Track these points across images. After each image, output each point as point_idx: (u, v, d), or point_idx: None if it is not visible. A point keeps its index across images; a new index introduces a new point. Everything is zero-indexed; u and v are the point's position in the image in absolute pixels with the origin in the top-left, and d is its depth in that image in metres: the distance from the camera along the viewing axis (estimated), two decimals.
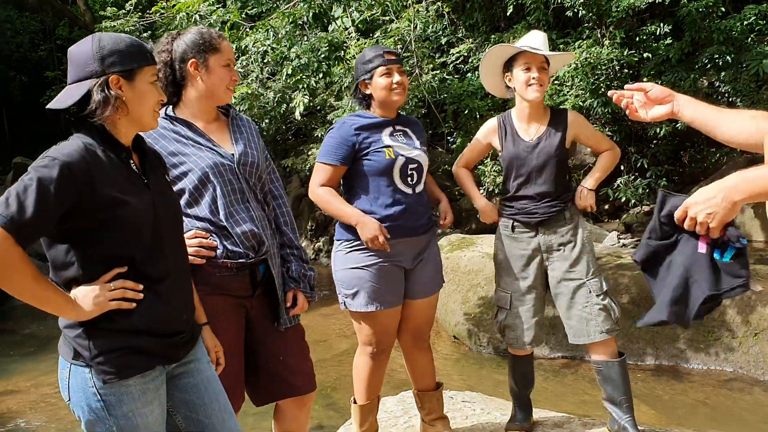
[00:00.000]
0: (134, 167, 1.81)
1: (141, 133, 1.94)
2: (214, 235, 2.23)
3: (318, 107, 7.24)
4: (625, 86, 1.98)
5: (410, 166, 2.81)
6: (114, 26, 7.70)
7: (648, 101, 1.90)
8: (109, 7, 8.04)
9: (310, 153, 7.37)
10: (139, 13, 8.28)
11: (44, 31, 19.29)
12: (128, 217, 1.72)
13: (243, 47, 5.98)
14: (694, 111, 1.82)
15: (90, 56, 1.76)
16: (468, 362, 4.84)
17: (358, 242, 2.80)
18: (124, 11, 8.15)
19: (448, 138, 7.72)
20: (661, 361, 4.53)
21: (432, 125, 8.10)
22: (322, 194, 2.82)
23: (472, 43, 7.86)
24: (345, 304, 2.88)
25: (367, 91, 2.86)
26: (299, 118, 6.12)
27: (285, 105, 6.69)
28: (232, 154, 2.30)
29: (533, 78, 2.84)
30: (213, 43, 2.30)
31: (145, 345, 1.75)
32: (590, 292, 2.85)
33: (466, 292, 5.20)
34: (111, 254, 1.73)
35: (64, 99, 1.74)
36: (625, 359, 2.87)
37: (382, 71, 2.81)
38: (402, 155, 2.80)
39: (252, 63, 5.94)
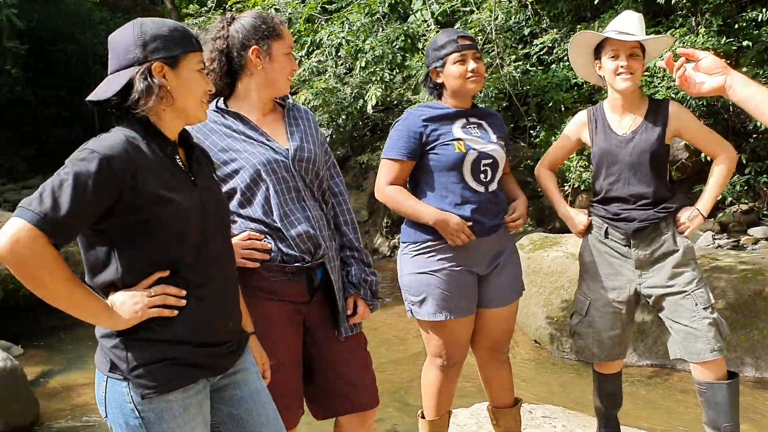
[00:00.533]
0: (180, 163, 1.68)
1: (189, 128, 1.82)
2: (269, 237, 2.09)
3: (395, 102, 7.10)
4: (677, 50, 1.73)
5: (483, 162, 2.59)
6: (197, 23, 7.79)
7: (699, 72, 1.68)
8: (191, 5, 8.13)
9: None
10: (222, 10, 8.36)
11: None
12: (173, 217, 1.60)
13: (318, 41, 5.89)
14: (747, 90, 1.62)
15: (132, 42, 1.63)
16: (549, 369, 4.59)
17: (426, 245, 2.61)
18: (206, 8, 8.24)
19: (531, 132, 7.43)
20: (763, 373, 4.16)
21: (514, 118, 7.83)
22: (391, 193, 2.63)
23: (556, 33, 7.54)
24: (412, 312, 2.69)
25: (439, 80, 2.65)
26: (371, 111, 5.98)
27: (361, 100, 6.58)
28: (287, 149, 2.14)
29: (621, 66, 2.58)
30: (276, 29, 2.15)
31: (187, 356, 1.62)
32: (696, 304, 2.57)
33: (549, 295, 4.95)
34: (153, 257, 1.60)
35: (104, 89, 1.62)
36: (737, 381, 2.56)
37: (456, 58, 2.60)
38: (474, 149, 2.58)
39: (327, 57, 5.85)
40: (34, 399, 4.24)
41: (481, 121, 2.70)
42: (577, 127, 2.83)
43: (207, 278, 1.67)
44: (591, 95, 7.02)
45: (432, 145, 2.59)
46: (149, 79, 1.60)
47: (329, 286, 2.17)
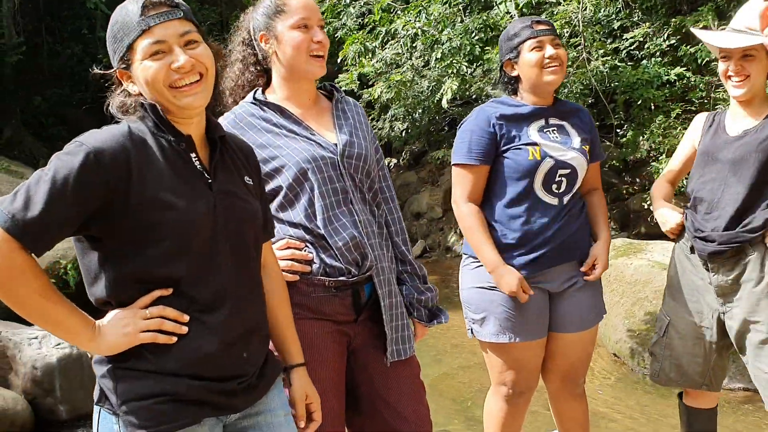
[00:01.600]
0: (197, 162, 1.45)
1: (224, 121, 1.63)
2: (310, 246, 1.84)
3: (473, 96, 6.86)
4: None
5: (560, 172, 2.29)
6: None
7: None
8: None
9: None
10: None
11: (221, 23, 20.37)
12: (175, 225, 1.36)
13: (393, 31, 5.71)
14: None
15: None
16: (628, 386, 4.29)
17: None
18: None
19: (618, 131, 7.06)
20: None
21: (599, 116, 7.46)
22: (466, 218, 2.34)
23: (649, 27, 7.12)
24: (472, 331, 2.43)
25: (514, 73, 2.38)
26: (446, 105, 5.75)
27: (439, 94, 6.38)
28: (335, 145, 1.89)
29: (731, 70, 2.29)
30: (276, 4, 1.87)
31: (186, 391, 1.37)
32: None
33: (631, 306, 4.63)
34: (151, 271, 1.37)
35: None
36: None
37: (532, 44, 2.31)
38: (551, 157, 2.28)
39: (403, 48, 5.66)
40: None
41: (562, 122, 2.40)
42: (692, 131, 2.52)
43: (216, 300, 1.42)
44: (684, 93, 6.59)
45: (505, 147, 2.32)
46: (118, 91, 1.46)
47: (378, 303, 1.92)
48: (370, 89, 6.26)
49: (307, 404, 1.67)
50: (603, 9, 7.29)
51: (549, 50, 2.31)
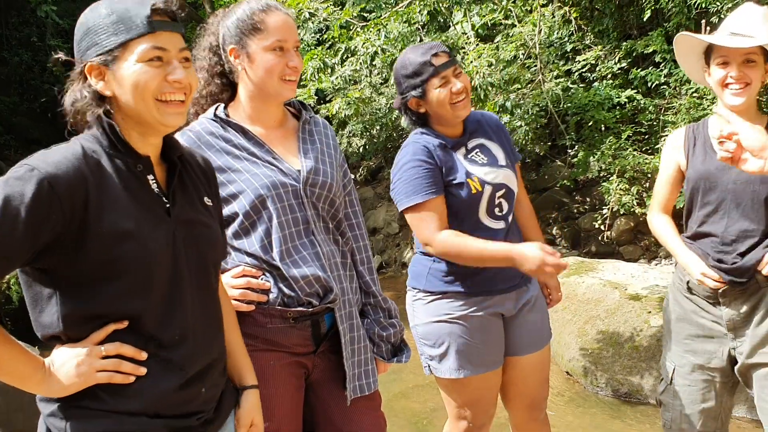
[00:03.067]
0: (154, 185, 1.34)
1: (181, 138, 1.51)
2: (267, 275, 1.74)
3: None
4: (721, 131, 1.43)
5: (498, 194, 2.22)
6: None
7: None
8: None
9: None
10: None
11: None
12: (134, 259, 1.25)
13: (353, 48, 5.71)
14: None
15: (75, 40, 1.34)
16: (582, 404, 4.32)
17: (442, 291, 2.26)
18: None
19: (569, 151, 7.18)
20: None
21: (551, 137, 7.58)
22: (447, 242, 2.15)
23: (600, 50, 7.29)
24: (430, 369, 2.32)
25: (422, 110, 2.25)
26: (405, 124, 5.78)
27: (396, 112, 6.40)
28: (298, 171, 1.79)
29: (731, 77, 2.09)
30: (253, 20, 1.74)
31: (144, 431, 1.27)
32: None
33: (584, 324, 4.69)
34: (107, 308, 1.26)
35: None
36: None
37: (437, 82, 2.17)
38: (488, 183, 2.20)
39: (362, 66, 5.66)
40: (38, 410, 4.10)
41: (479, 140, 2.31)
42: (670, 151, 2.34)
43: (178, 336, 1.33)
44: (634, 115, 6.75)
45: (447, 179, 2.21)
46: (80, 86, 1.31)
47: (339, 334, 1.83)
48: (327, 105, 6.25)
49: (251, 430, 1.58)
50: (557, 31, 7.44)
51: (456, 85, 2.19)
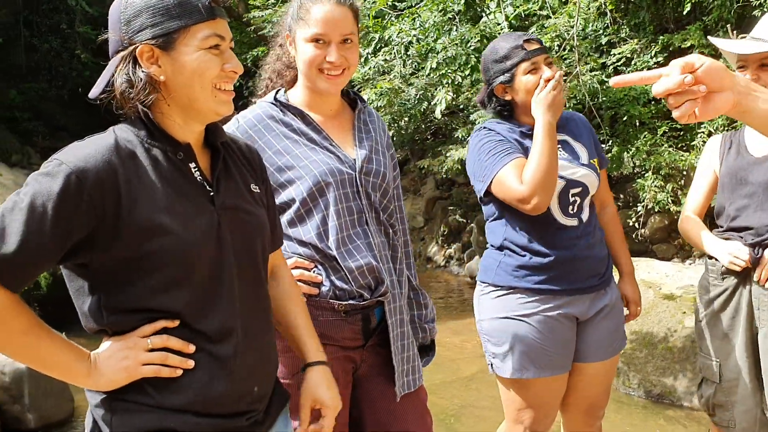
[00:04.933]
0: (196, 173, 1.29)
1: (242, 122, 1.51)
2: (319, 267, 1.71)
3: (461, 106, 6.80)
4: (666, 68, 1.10)
5: (572, 191, 2.15)
6: (263, 16, 7.61)
7: (697, 85, 1.07)
8: None
9: (448, 155, 6.96)
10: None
11: None
12: (175, 251, 1.21)
13: (387, 38, 5.64)
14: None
15: (116, 19, 1.25)
16: (613, 404, 4.22)
17: (511, 286, 2.19)
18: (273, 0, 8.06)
19: (603, 146, 7.07)
20: None
21: None
22: (530, 179, 2.07)
23: (636, 44, 7.15)
24: (492, 367, 2.25)
25: (507, 97, 2.20)
26: (439, 115, 5.69)
27: (426, 103, 6.31)
28: (354, 160, 1.76)
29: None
30: (300, 9, 1.71)
31: (191, 429, 1.22)
32: None
33: None
34: (146, 303, 1.21)
35: (98, 84, 1.27)
36: None
37: (527, 67, 2.13)
38: (562, 177, 2.12)
39: (395, 56, 5.59)
40: (69, 395, 4.11)
41: (566, 137, 2.26)
42: (707, 156, 2.40)
43: (225, 328, 1.28)
44: (670, 111, 6.60)
45: None
46: (132, 69, 1.23)
47: (387, 329, 1.79)
48: None
49: (319, 409, 1.52)
50: (591, 24, 7.30)
51: (546, 72, 2.15)
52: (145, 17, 1.24)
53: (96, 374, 1.22)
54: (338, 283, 1.72)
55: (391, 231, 1.86)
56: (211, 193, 1.31)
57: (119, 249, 1.20)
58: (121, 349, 1.22)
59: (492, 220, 2.29)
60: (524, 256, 2.18)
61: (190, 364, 1.25)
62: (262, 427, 1.37)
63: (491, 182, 2.15)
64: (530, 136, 2.18)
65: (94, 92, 1.28)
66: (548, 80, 2.14)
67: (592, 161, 2.27)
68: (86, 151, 1.20)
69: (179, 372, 1.24)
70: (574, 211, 2.21)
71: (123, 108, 1.26)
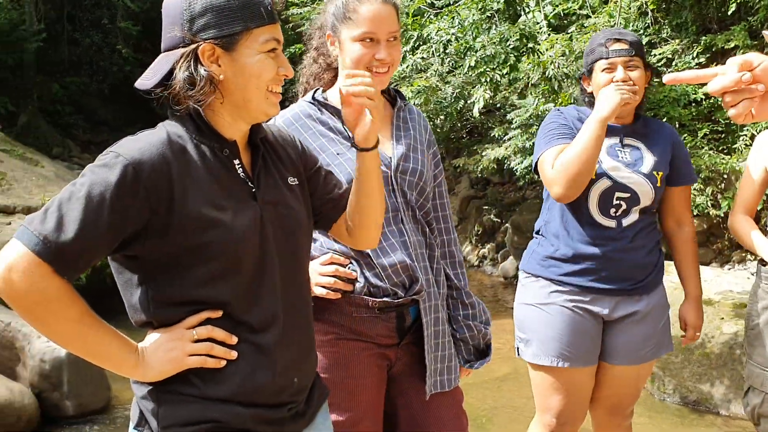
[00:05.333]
0: (240, 169, 1.31)
1: (280, 121, 1.53)
2: (354, 263, 1.72)
3: (498, 105, 6.76)
4: (723, 66, 1.06)
5: (618, 195, 2.16)
6: (301, 13, 7.64)
7: (756, 84, 1.02)
8: None
9: (483, 154, 6.93)
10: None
11: None
12: (221, 243, 1.25)
13: (425, 36, 5.63)
14: None
15: (178, 15, 1.26)
16: (647, 409, 4.18)
17: (537, 274, 2.26)
18: None
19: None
20: None
21: None
22: (559, 161, 2.15)
23: (678, 44, 7.03)
24: (518, 351, 2.34)
25: (589, 89, 2.27)
26: (477, 114, 5.66)
27: (462, 101, 6.28)
28: (390, 158, 1.77)
29: None
30: (346, 9, 1.71)
31: (233, 419, 1.26)
32: None
33: None
34: (194, 295, 1.24)
35: (149, 76, 1.28)
36: None
37: (603, 65, 2.18)
38: (609, 177, 2.14)
39: (433, 54, 5.57)
40: (106, 383, 4.19)
41: (639, 143, 2.25)
42: (756, 152, 2.34)
43: (268, 319, 1.31)
44: (711, 113, 6.49)
45: None
46: (193, 66, 1.24)
47: (422, 327, 1.79)
48: None
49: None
50: (632, 23, 7.20)
51: (619, 73, 2.17)
52: (210, 17, 1.25)
53: (144, 366, 1.24)
54: (373, 279, 1.73)
55: (428, 230, 1.86)
56: (253, 189, 1.34)
57: (170, 241, 1.22)
58: (167, 341, 1.25)
59: (545, 202, 2.38)
60: (553, 245, 2.25)
61: (234, 354, 1.27)
62: (303, 419, 1.39)
63: (537, 161, 2.24)
64: None
65: (148, 84, 1.29)
66: (617, 82, 2.17)
67: (655, 173, 2.24)
68: (141, 144, 1.23)
69: (223, 363, 1.27)
70: (616, 213, 2.21)
71: (178, 104, 1.28)
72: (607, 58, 2.19)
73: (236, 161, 1.33)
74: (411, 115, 1.91)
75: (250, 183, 1.34)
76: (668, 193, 2.32)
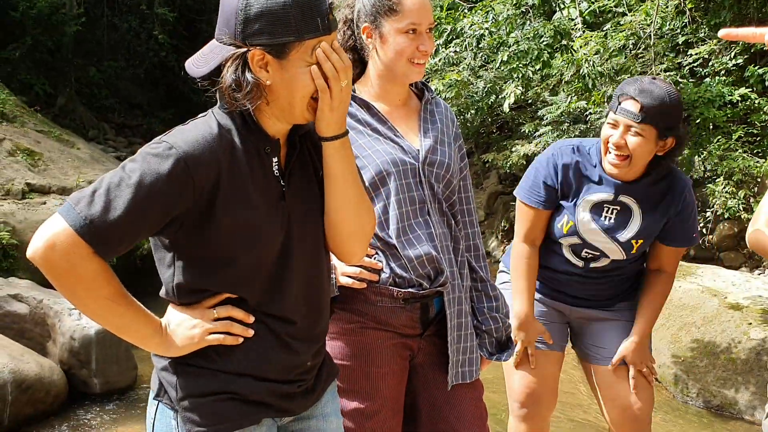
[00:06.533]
0: (275, 167, 1.33)
1: None
2: (380, 254, 1.73)
3: (529, 101, 6.72)
4: None
5: (586, 250, 2.23)
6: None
7: None
8: None
9: (513, 149, 6.90)
10: None
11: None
12: (248, 240, 1.29)
13: (459, 30, 5.61)
14: None
15: (232, 13, 1.24)
16: (670, 413, 4.15)
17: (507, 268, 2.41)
18: None
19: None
20: None
21: None
22: (515, 258, 2.30)
23: (715, 44, 6.91)
24: None
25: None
26: (507, 110, 5.64)
27: (494, 96, 6.25)
28: (418, 150, 1.78)
29: None
30: (390, 1, 1.70)
31: (247, 391, 1.32)
32: None
33: (677, 330, 4.49)
34: (220, 279, 1.30)
35: (200, 63, 1.28)
36: None
37: (610, 118, 2.10)
38: (580, 237, 2.19)
39: (466, 48, 5.56)
40: (133, 362, 4.28)
41: (634, 204, 2.20)
42: None
43: (286, 311, 1.36)
44: (747, 115, 6.38)
45: (559, 199, 2.27)
46: (241, 71, 1.23)
47: (446, 319, 1.81)
48: None
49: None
50: (669, 23, 7.10)
51: (616, 136, 2.08)
52: (265, 22, 1.23)
53: (167, 342, 1.31)
54: (398, 270, 1.74)
55: (453, 223, 1.87)
56: (284, 189, 1.36)
57: (203, 233, 1.26)
58: (189, 319, 1.30)
59: None
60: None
61: (251, 333, 1.32)
62: (312, 395, 1.45)
63: (519, 199, 2.34)
64: (593, 182, 2.21)
65: (198, 72, 1.28)
66: (606, 142, 2.13)
67: (634, 241, 2.21)
68: (194, 136, 1.25)
69: (240, 340, 1.32)
70: (586, 258, 2.28)
71: (225, 101, 1.29)
72: (613, 113, 2.11)
73: (275, 159, 1.35)
74: (438, 108, 1.91)
75: (282, 182, 1.35)
76: (656, 246, 2.30)
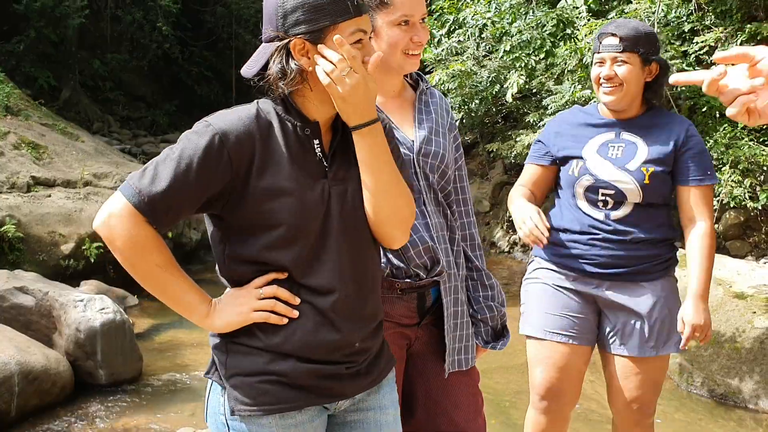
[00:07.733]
0: (318, 149, 1.41)
1: None
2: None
3: (533, 90, 6.70)
4: (716, 55, 1.02)
5: (602, 191, 2.21)
6: None
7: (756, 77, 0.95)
8: None
9: (518, 139, 6.88)
10: None
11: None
12: (288, 211, 1.36)
13: (461, 20, 5.59)
14: None
15: (273, 12, 1.37)
16: (674, 402, 4.15)
17: (535, 255, 2.42)
18: None
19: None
20: None
21: None
22: (511, 192, 2.39)
23: (721, 32, 6.87)
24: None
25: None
26: (510, 100, 5.62)
27: (498, 86, 6.23)
28: (412, 141, 1.78)
29: None
30: None
31: (291, 373, 1.38)
32: None
33: None
34: (259, 256, 1.38)
35: (251, 65, 1.41)
36: None
37: (595, 59, 2.26)
38: (591, 174, 2.21)
39: (469, 38, 5.53)
40: (138, 354, 4.30)
41: (636, 139, 2.25)
42: None
43: (329, 285, 1.40)
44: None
45: (560, 155, 2.34)
46: (285, 60, 1.35)
47: (442, 308, 1.82)
48: (427, 76, 6.18)
49: None
50: (674, 10, 7.05)
51: (605, 70, 2.22)
52: (300, 13, 1.35)
53: (214, 316, 1.39)
54: (395, 261, 1.75)
55: (449, 211, 1.88)
56: (326, 168, 1.43)
57: (244, 206, 1.36)
58: (237, 297, 1.39)
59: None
60: (551, 231, 2.30)
61: (295, 313, 1.38)
62: (365, 380, 1.48)
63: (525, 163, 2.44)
64: (594, 126, 2.31)
65: (249, 72, 1.40)
66: (598, 79, 2.25)
67: (644, 169, 2.21)
68: (231, 117, 1.37)
69: (285, 320, 1.38)
70: (606, 207, 2.26)
71: (273, 90, 1.39)
72: (598, 53, 2.25)
73: (316, 141, 1.42)
74: (433, 99, 1.91)
75: (325, 162, 1.43)
76: (677, 192, 2.28)
